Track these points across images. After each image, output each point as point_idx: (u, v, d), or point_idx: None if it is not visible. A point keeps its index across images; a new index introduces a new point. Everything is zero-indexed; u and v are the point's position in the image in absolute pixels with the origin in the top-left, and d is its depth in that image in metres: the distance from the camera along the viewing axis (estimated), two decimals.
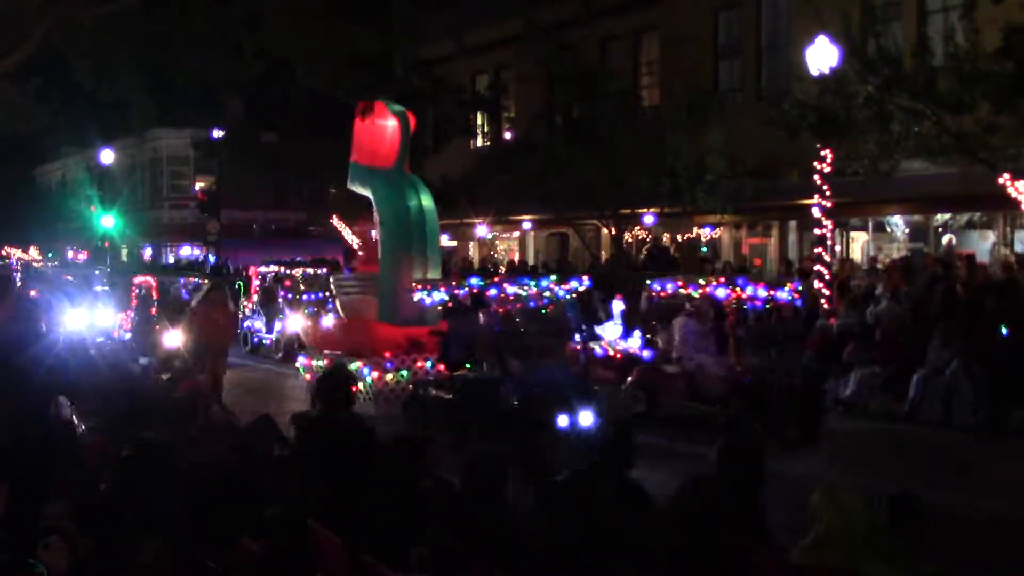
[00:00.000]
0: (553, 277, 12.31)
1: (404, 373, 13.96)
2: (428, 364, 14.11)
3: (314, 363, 14.89)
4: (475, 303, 12.01)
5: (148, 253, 47.29)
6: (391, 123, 15.44)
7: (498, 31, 30.34)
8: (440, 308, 13.74)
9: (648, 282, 13.80)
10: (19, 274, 30.18)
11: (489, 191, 26.51)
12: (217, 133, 31.86)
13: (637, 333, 15.07)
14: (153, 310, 19.52)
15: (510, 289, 11.63)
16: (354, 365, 13.21)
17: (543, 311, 12.77)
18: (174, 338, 18.22)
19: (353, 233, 27.06)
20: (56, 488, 6.93)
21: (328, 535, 4.96)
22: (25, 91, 20.33)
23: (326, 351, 14.90)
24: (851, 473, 10.13)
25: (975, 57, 15.18)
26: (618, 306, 15.78)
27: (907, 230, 22.84)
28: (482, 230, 29.87)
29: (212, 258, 34.63)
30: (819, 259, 17.13)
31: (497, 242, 34.44)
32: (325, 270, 23.53)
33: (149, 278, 21.12)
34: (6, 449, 6.80)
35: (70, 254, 45.92)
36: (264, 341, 21.99)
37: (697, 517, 3.89)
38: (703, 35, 25.72)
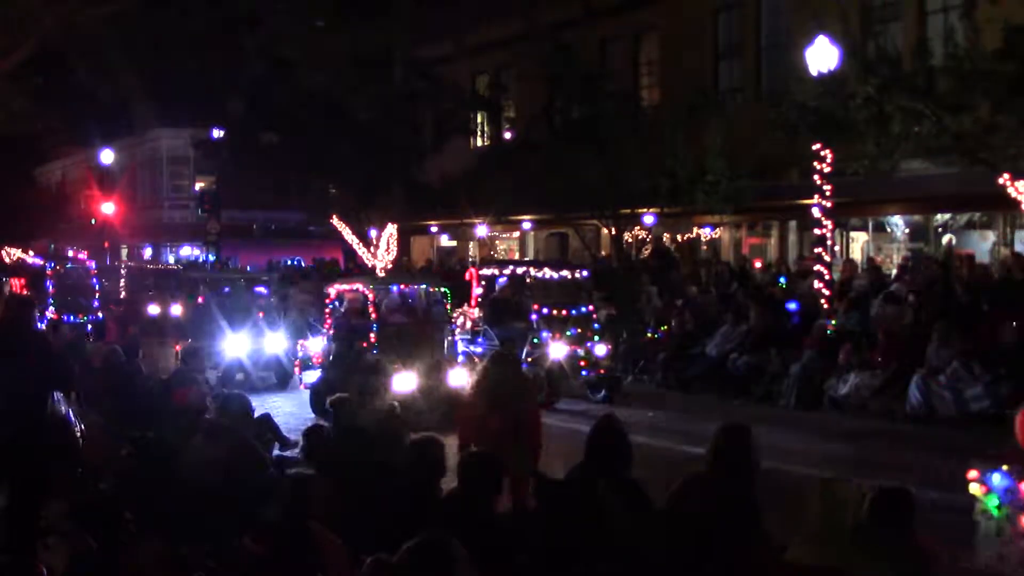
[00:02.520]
0: None
1: None
2: None
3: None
4: None
5: (148, 253, 47.30)
6: None
7: (498, 31, 30.32)
8: None
9: None
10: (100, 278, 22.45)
11: (489, 191, 26.48)
12: (217, 133, 31.83)
13: None
14: (373, 337, 13.74)
15: None
16: None
17: None
18: (406, 381, 12.83)
19: None
20: (56, 488, 6.94)
21: (328, 535, 4.96)
22: (25, 91, 20.31)
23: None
24: (850, 473, 10.12)
25: (975, 57, 15.17)
26: None
27: (907, 230, 22.84)
28: (482, 230, 29.85)
29: (212, 257, 34.61)
30: (819, 259, 17.13)
31: (497, 242, 34.44)
32: (586, 273, 17.18)
33: (361, 286, 14.87)
34: (3, 447, 6.81)
35: (70, 254, 45.90)
36: None
37: (694, 515, 3.89)
38: (703, 35, 25.71)
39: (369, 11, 25.64)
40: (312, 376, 14.12)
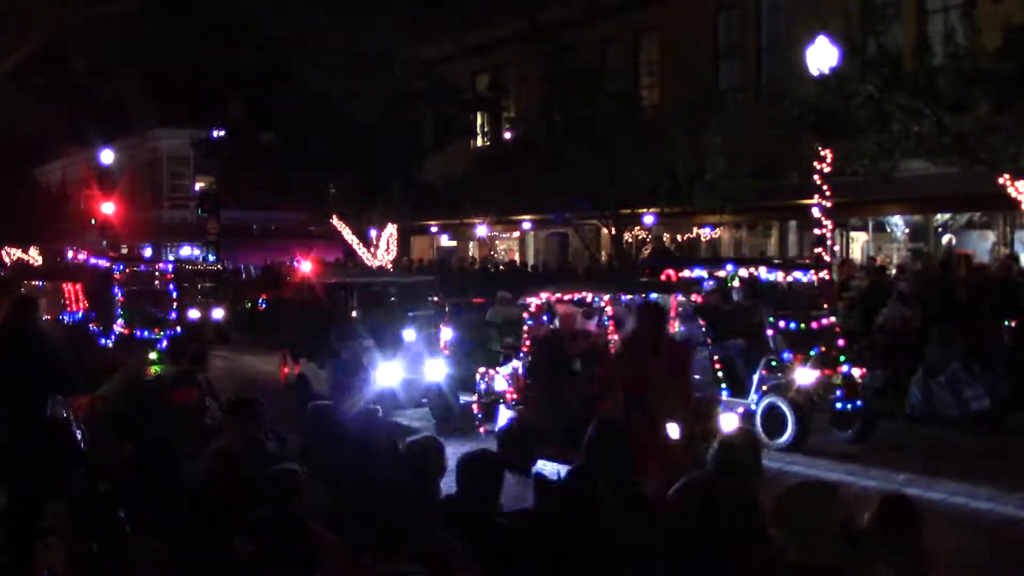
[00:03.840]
0: None
1: None
2: None
3: None
4: None
5: (148, 253, 47.32)
6: None
7: (498, 31, 30.33)
8: None
9: None
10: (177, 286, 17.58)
11: (489, 191, 26.51)
12: (217, 133, 31.86)
13: None
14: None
15: None
16: None
17: None
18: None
19: None
20: (56, 488, 6.94)
21: (327, 534, 4.95)
22: (25, 91, 20.24)
23: None
24: (853, 474, 10.14)
25: (975, 57, 15.17)
26: None
27: (907, 230, 22.85)
28: (482, 230, 29.87)
29: (212, 257, 34.62)
30: (819, 259, 17.09)
31: (497, 242, 34.46)
32: (819, 276, 13.10)
33: (589, 295, 10.77)
34: (3, 448, 6.82)
35: (70, 254, 45.85)
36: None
37: (695, 516, 3.89)
38: (703, 35, 25.73)
39: (369, 11, 25.66)
40: (504, 416, 10.67)
